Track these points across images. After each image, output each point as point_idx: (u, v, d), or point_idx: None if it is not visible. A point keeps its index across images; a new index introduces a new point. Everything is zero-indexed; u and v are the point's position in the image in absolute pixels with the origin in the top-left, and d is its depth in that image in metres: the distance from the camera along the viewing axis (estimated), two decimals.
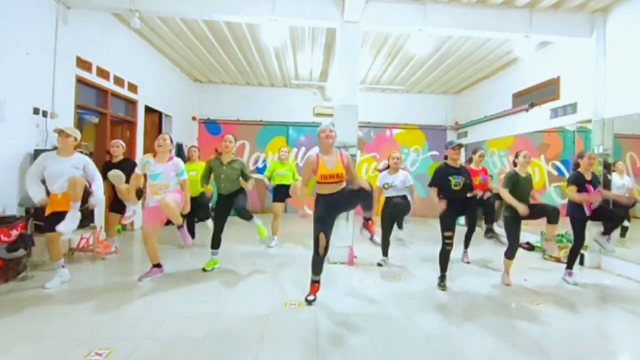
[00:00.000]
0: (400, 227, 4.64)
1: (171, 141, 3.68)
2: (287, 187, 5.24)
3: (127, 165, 4.29)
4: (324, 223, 3.14)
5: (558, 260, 4.83)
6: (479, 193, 4.03)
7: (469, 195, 3.79)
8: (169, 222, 3.70)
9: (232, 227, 4.16)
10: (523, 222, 3.83)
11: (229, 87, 9.32)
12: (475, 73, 7.71)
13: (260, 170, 9.00)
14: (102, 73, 5.29)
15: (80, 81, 4.85)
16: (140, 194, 4.60)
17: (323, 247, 3.13)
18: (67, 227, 3.25)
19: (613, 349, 2.63)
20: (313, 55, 7.06)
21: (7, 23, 3.74)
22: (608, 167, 4.64)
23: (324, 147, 3.16)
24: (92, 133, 5.54)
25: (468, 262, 4.65)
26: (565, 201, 5.97)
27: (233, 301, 3.17)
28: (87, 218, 4.07)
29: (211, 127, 9.30)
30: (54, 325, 2.57)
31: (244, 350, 2.32)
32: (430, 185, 3.77)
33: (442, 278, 3.70)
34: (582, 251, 4.80)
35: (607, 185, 4.62)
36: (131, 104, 6.19)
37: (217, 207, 4.10)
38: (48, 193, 3.43)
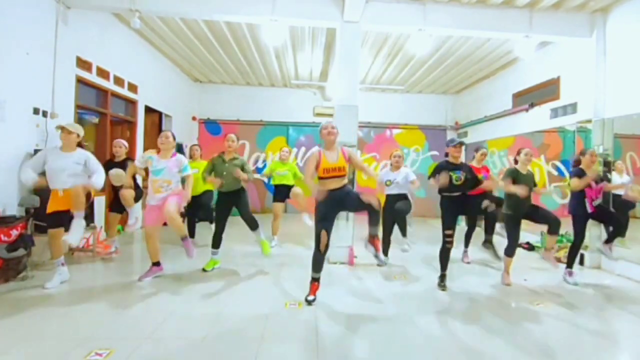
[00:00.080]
0: (403, 234, 4.45)
1: (174, 138, 3.67)
2: (287, 187, 5.24)
3: (129, 165, 4.30)
4: (325, 220, 3.15)
5: (558, 260, 4.82)
6: (489, 206, 3.86)
7: (469, 194, 3.78)
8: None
9: (232, 227, 4.16)
10: (523, 221, 3.84)
11: (229, 87, 9.32)
12: (475, 73, 7.71)
13: (260, 170, 9.00)
14: (102, 73, 5.29)
15: (80, 81, 4.85)
16: (140, 194, 4.61)
17: (324, 245, 3.14)
18: (74, 238, 3.30)
19: (613, 349, 2.63)
20: (313, 55, 7.06)
21: (7, 23, 3.74)
22: (608, 166, 4.65)
23: (326, 144, 3.24)
24: (92, 133, 5.54)
25: (468, 262, 4.65)
26: (566, 201, 5.98)
27: (233, 301, 3.17)
28: (87, 218, 4.07)
29: (211, 127, 9.30)
30: (54, 325, 2.57)
31: (244, 350, 2.32)
32: (430, 177, 3.78)
33: (442, 277, 3.70)
34: (582, 251, 4.81)
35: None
36: (131, 104, 6.19)
37: (218, 206, 4.10)
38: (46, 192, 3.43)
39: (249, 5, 4.66)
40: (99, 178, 3.49)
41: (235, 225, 4.20)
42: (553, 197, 5.98)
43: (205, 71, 8.30)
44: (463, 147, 3.73)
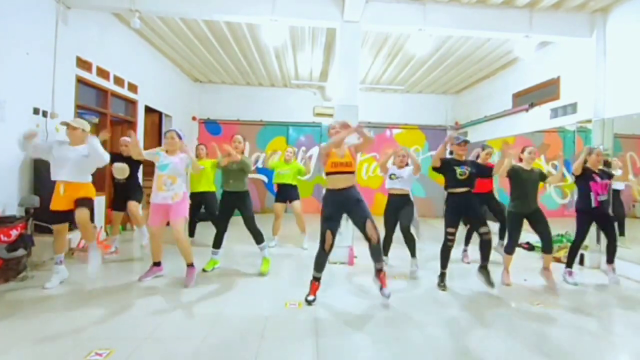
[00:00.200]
0: (412, 254, 4.12)
1: (180, 137, 3.63)
2: (289, 186, 5.24)
3: (134, 161, 4.37)
4: (331, 220, 3.16)
5: (558, 260, 4.83)
6: (486, 234, 3.73)
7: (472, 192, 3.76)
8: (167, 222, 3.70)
9: (232, 227, 4.15)
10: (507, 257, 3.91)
11: (229, 87, 9.32)
12: (475, 73, 7.71)
13: (260, 171, 9.01)
14: (102, 73, 5.29)
15: (80, 81, 4.85)
16: (140, 195, 4.62)
17: (329, 245, 3.16)
18: (93, 267, 3.37)
19: (613, 349, 2.63)
20: (313, 55, 7.06)
21: (7, 23, 3.74)
22: (608, 165, 4.65)
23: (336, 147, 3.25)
24: (92, 133, 5.53)
25: (468, 262, 4.65)
26: (566, 201, 5.99)
27: (233, 301, 3.17)
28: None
29: (211, 127, 9.30)
30: (54, 325, 2.57)
31: (244, 350, 2.32)
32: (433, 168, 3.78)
33: (442, 276, 3.70)
34: (582, 251, 4.82)
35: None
36: (131, 104, 6.19)
37: (221, 205, 4.08)
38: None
39: (249, 5, 4.66)
40: (105, 155, 3.44)
41: (235, 225, 4.19)
42: (552, 197, 5.99)
43: (205, 71, 8.30)
44: (467, 145, 3.74)
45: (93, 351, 2.20)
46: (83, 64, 4.88)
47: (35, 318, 2.68)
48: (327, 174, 3.21)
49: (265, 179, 9.25)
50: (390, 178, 4.27)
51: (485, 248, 3.58)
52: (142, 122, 6.48)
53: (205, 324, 2.66)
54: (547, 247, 3.82)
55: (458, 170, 3.63)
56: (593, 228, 4.21)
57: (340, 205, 3.18)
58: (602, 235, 4.22)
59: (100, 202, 5.20)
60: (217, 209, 4.48)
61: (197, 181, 5.03)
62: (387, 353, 2.36)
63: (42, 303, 2.96)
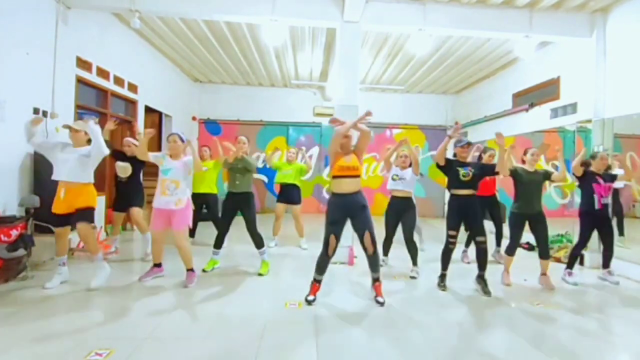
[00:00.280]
0: (414, 262, 4.12)
1: (182, 141, 3.62)
2: (291, 187, 5.24)
3: (137, 162, 4.35)
4: (335, 225, 3.17)
5: (558, 260, 4.83)
6: (482, 242, 3.67)
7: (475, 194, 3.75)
8: None
9: (233, 228, 4.14)
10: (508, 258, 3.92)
11: (229, 87, 9.32)
12: (475, 73, 7.71)
13: (260, 171, 9.00)
14: (102, 73, 5.29)
15: (80, 81, 4.85)
16: (142, 198, 4.61)
17: (332, 249, 3.17)
18: (98, 282, 3.33)
19: (613, 349, 2.63)
20: (313, 55, 7.06)
21: (7, 23, 3.74)
22: (608, 167, 4.66)
23: (342, 147, 3.26)
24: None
25: (468, 263, 4.65)
26: (566, 201, 5.99)
27: (233, 301, 3.17)
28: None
29: (211, 127, 9.31)
30: (54, 325, 2.57)
31: (244, 350, 2.32)
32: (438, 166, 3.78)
33: (442, 277, 3.70)
34: (581, 251, 4.82)
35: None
36: (131, 104, 6.19)
37: (225, 205, 4.06)
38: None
39: (249, 5, 4.66)
40: (103, 145, 3.39)
41: (236, 225, 4.18)
42: (552, 197, 5.98)
43: (205, 71, 8.30)
44: (470, 147, 3.74)
45: (93, 351, 2.20)
46: (83, 64, 4.88)
47: (36, 318, 2.68)
48: (334, 177, 3.19)
49: (266, 179, 9.25)
50: (393, 179, 4.24)
51: (481, 256, 3.59)
52: (142, 122, 6.47)
53: (205, 324, 2.66)
54: (543, 252, 3.83)
55: (461, 171, 3.62)
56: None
57: (345, 209, 3.17)
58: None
59: (100, 202, 5.19)
60: (218, 211, 4.48)
61: (200, 182, 5.03)
62: (387, 353, 2.36)
63: (42, 303, 2.96)
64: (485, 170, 3.80)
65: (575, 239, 5.10)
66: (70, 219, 3.37)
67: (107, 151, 3.40)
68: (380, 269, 3.32)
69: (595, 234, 4.12)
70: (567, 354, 2.44)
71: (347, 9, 4.55)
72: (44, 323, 2.60)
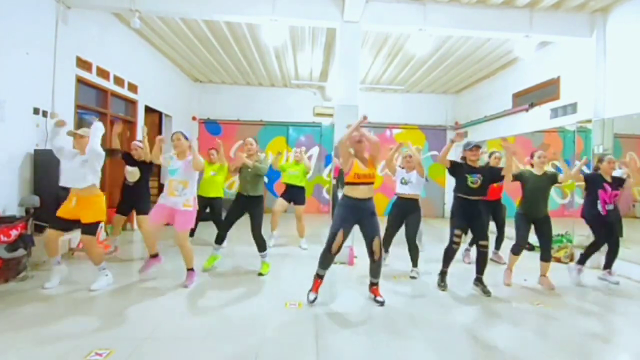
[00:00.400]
0: (414, 263, 4.11)
1: (186, 138, 3.60)
2: (296, 188, 5.24)
3: (145, 166, 4.39)
4: (346, 222, 3.15)
5: (558, 260, 4.83)
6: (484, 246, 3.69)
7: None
8: (167, 222, 3.69)
9: (233, 228, 4.15)
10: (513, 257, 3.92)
11: (229, 87, 9.32)
12: (475, 73, 7.71)
13: None
14: (102, 73, 5.29)
15: (80, 81, 4.86)
16: (148, 201, 4.61)
17: (338, 245, 3.13)
18: (98, 286, 3.32)
19: (613, 349, 2.63)
20: (313, 55, 7.07)
21: (7, 23, 3.74)
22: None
23: (356, 152, 3.27)
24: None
25: (469, 263, 4.64)
26: (566, 201, 5.99)
27: (233, 301, 3.17)
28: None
29: (211, 127, 9.31)
30: (54, 325, 2.57)
31: (244, 350, 2.31)
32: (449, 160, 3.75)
33: (443, 275, 3.69)
34: (582, 251, 4.80)
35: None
36: (131, 104, 6.19)
37: (233, 205, 4.03)
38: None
39: (249, 5, 4.66)
40: (97, 146, 3.33)
41: (235, 225, 4.18)
42: (553, 197, 5.98)
43: (205, 71, 8.30)
44: (480, 150, 3.67)
45: (93, 351, 2.20)
46: (83, 64, 4.88)
47: (36, 318, 2.68)
48: (348, 183, 3.19)
49: (266, 180, 9.23)
50: (402, 182, 4.18)
51: (481, 259, 3.59)
52: (142, 122, 6.47)
53: (205, 324, 2.66)
54: (545, 254, 3.83)
55: (470, 178, 3.58)
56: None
57: (356, 212, 3.16)
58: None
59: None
60: (222, 214, 4.45)
61: (209, 186, 5.07)
62: (387, 353, 2.36)
63: (42, 303, 2.96)
64: (494, 175, 3.70)
65: (576, 239, 5.13)
66: (71, 226, 3.37)
67: (101, 151, 3.34)
68: (380, 275, 3.31)
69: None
70: (568, 354, 2.44)
71: (347, 9, 4.55)
72: (44, 323, 2.60)
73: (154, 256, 3.68)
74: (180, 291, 3.35)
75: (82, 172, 3.28)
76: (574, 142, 5.41)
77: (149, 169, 4.51)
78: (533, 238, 5.30)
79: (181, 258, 3.61)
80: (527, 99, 6.52)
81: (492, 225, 4.63)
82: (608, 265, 4.07)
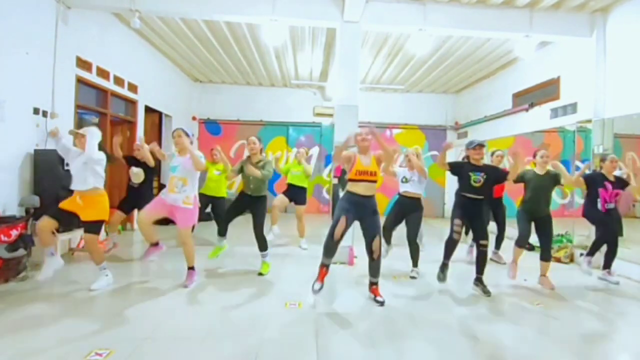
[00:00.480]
0: (414, 263, 4.10)
1: (187, 135, 3.58)
2: (298, 188, 5.24)
3: (149, 167, 4.41)
4: (347, 211, 3.14)
5: (558, 260, 4.83)
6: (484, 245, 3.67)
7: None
8: (169, 222, 3.68)
9: (232, 228, 4.15)
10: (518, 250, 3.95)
11: (229, 87, 9.32)
12: (475, 73, 7.71)
13: None
14: (102, 73, 5.29)
15: (80, 81, 4.85)
16: (150, 197, 4.61)
17: (341, 231, 3.11)
18: (100, 285, 3.31)
19: (613, 349, 2.63)
20: (313, 55, 7.07)
21: (7, 23, 3.74)
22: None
23: (360, 149, 3.30)
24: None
25: (470, 261, 4.64)
26: (566, 201, 5.99)
27: (233, 301, 3.17)
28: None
29: (211, 127, 9.31)
30: (54, 325, 2.57)
31: (244, 350, 2.31)
32: (448, 162, 3.78)
33: (443, 267, 3.68)
34: (581, 251, 4.81)
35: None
36: (131, 104, 6.19)
37: (236, 201, 4.02)
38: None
39: (249, 5, 4.66)
40: (93, 151, 3.27)
41: (235, 226, 4.19)
42: (553, 197, 5.98)
43: (205, 71, 8.30)
44: (484, 149, 3.64)
45: (93, 351, 2.20)
46: (83, 64, 4.88)
47: (36, 318, 2.68)
48: (350, 180, 3.21)
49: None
50: (402, 181, 4.16)
51: (481, 259, 3.59)
52: (142, 122, 6.48)
53: (205, 324, 2.66)
54: (545, 255, 3.83)
55: (473, 177, 3.56)
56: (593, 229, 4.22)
57: (358, 207, 3.17)
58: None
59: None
60: (223, 213, 4.43)
61: (214, 186, 5.07)
62: (387, 353, 2.36)
63: (42, 303, 2.96)
64: (498, 176, 3.67)
65: (576, 239, 5.13)
66: (69, 220, 3.36)
67: (98, 156, 3.30)
68: (379, 274, 3.31)
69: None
70: (568, 354, 2.44)
71: (347, 9, 4.55)
72: (44, 323, 2.60)
73: (155, 245, 3.67)
74: (180, 291, 3.35)
75: (83, 175, 3.28)
76: (574, 142, 5.41)
77: (153, 170, 4.54)
78: (533, 238, 5.31)
79: (181, 258, 3.61)
80: (527, 99, 6.52)
81: (492, 226, 4.63)
82: (607, 265, 4.07)
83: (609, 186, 3.91)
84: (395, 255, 4.54)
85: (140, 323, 2.65)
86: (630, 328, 2.97)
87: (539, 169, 3.89)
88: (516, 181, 3.90)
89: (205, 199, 4.96)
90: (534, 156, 3.97)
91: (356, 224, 3.31)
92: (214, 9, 4.71)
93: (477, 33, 5.22)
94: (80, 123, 4.99)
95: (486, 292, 3.49)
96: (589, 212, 4.04)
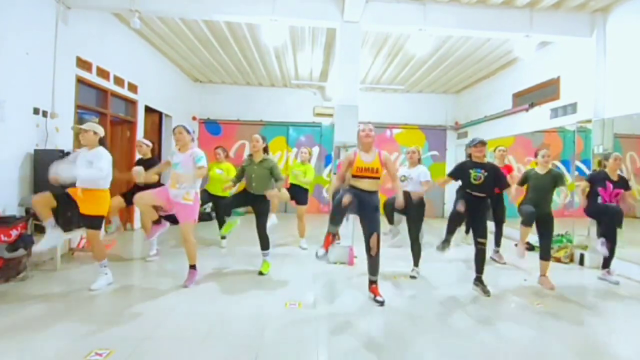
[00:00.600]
0: (416, 263, 4.07)
1: (188, 132, 3.57)
2: (298, 187, 5.25)
3: (151, 164, 4.31)
4: (349, 194, 3.10)
5: (558, 260, 4.83)
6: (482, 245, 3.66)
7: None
8: (175, 222, 3.68)
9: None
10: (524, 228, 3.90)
11: (229, 87, 9.32)
12: (475, 73, 7.71)
13: None
14: (102, 73, 5.29)
15: (80, 81, 4.85)
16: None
17: (348, 200, 3.04)
18: (98, 285, 3.30)
19: (613, 349, 2.62)
20: (313, 55, 7.06)
21: (7, 23, 3.74)
22: (604, 167, 4.66)
23: (363, 146, 3.28)
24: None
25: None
26: (566, 201, 5.98)
27: (233, 301, 3.17)
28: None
29: (211, 127, 9.31)
30: (54, 325, 2.57)
31: (244, 350, 2.32)
32: (448, 175, 3.82)
33: (445, 241, 3.69)
34: (581, 251, 4.82)
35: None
36: (131, 104, 6.19)
37: (238, 194, 4.00)
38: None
39: (249, 5, 4.66)
40: (88, 171, 3.21)
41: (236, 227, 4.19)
42: (553, 197, 5.98)
43: (205, 71, 8.30)
44: (486, 147, 3.63)
45: (93, 351, 2.20)
46: (83, 64, 4.88)
47: (36, 318, 2.68)
48: (352, 175, 3.23)
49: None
50: (401, 180, 4.04)
51: (479, 257, 3.58)
52: (142, 122, 6.47)
53: (205, 324, 2.66)
54: (544, 254, 3.83)
55: (473, 174, 3.56)
56: (593, 228, 4.22)
57: (360, 201, 3.16)
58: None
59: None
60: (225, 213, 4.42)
61: (214, 185, 5.05)
62: (387, 353, 2.36)
63: (42, 303, 2.96)
64: (499, 179, 3.64)
65: (576, 239, 5.13)
66: (68, 206, 3.33)
67: (99, 176, 3.27)
68: (378, 272, 3.30)
69: (594, 233, 4.12)
70: (568, 354, 2.44)
71: (347, 9, 4.55)
72: (44, 323, 2.60)
73: (157, 222, 3.65)
74: (180, 291, 3.35)
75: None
76: (574, 142, 5.41)
77: (151, 166, 4.47)
78: (533, 238, 5.31)
79: (181, 258, 3.61)
80: (527, 99, 6.52)
81: (491, 225, 4.63)
82: (606, 264, 4.07)
83: (610, 186, 3.92)
84: (395, 255, 4.55)
85: (140, 323, 2.65)
86: (631, 328, 2.97)
87: (541, 168, 3.89)
88: (520, 184, 3.96)
89: (207, 196, 4.95)
90: (535, 155, 3.98)
91: (356, 225, 3.31)
92: (214, 9, 4.71)
93: (477, 33, 5.22)
94: (80, 123, 4.97)
95: (486, 292, 3.49)
96: (589, 207, 4.04)
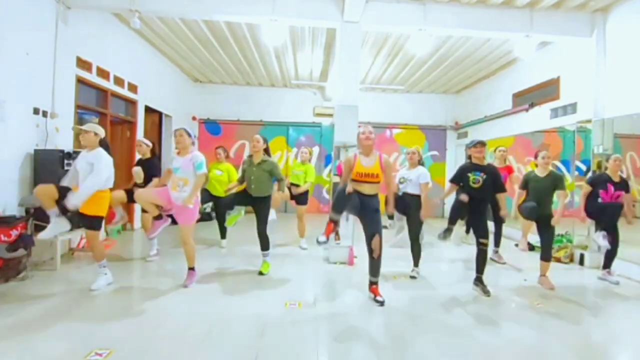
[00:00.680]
0: (416, 263, 4.08)
1: (189, 135, 3.56)
2: (297, 187, 5.24)
3: (150, 164, 4.38)
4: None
5: (558, 260, 4.83)
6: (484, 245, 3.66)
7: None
8: (175, 221, 3.68)
9: (234, 229, 4.15)
10: (525, 222, 3.91)
11: (229, 87, 9.32)
12: (475, 73, 7.71)
13: None
14: (102, 73, 5.29)
15: (80, 81, 4.85)
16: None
17: (351, 191, 3.10)
18: (98, 285, 3.30)
19: (613, 349, 2.63)
20: (313, 55, 7.06)
21: (7, 23, 3.74)
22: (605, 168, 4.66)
23: (363, 149, 3.27)
24: None
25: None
26: (566, 201, 5.97)
27: (233, 301, 3.17)
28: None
29: (211, 127, 9.31)
30: (54, 326, 2.57)
31: (244, 350, 2.32)
32: (450, 180, 3.84)
33: (446, 231, 3.70)
34: (581, 251, 4.82)
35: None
36: (131, 104, 6.19)
37: (239, 193, 3.99)
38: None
39: (249, 5, 4.66)
40: (82, 191, 3.18)
41: (236, 225, 4.19)
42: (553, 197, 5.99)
43: (205, 71, 8.30)
44: (485, 147, 3.62)
45: (93, 351, 2.20)
46: (83, 64, 4.88)
47: (36, 318, 2.68)
48: (353, 180, 3.23)
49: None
50: (400, 182, 4.09)
51: (480, 258, 3.57)
52: (142, 122, 6.47)
53: (205, 324, 2.66)
54: (545, 254, 3.82)
55: (472, 177, 3.55)
56: (592, 228, 4.22)
57: (360, 202, 3.18)
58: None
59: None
60: (227, 208, 4.40)
61: (214, 186, 5.04)
62: (387, 353, 2.36)
63: (42, 303, 2.96)
64: (496, 186, 3.63)
65: (576, 239, 5.13)
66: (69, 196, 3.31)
67: (103, 178, 3.29)
68: (379, 273, 3.30)
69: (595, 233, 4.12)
70: (568, 354, 2.44)
71: (347, 9, 4.55)
72: (44, 323, 2.60)
73: (158, 218, 3.65)
74: (180, 291, 3.35)
75: (87, 175, 3.27)
76: (574, 142, 5.41)
77: (150, 166, 4.47)
78: (533, 238, 5.31)
79: (181, 258, 3.61)
80: (527, 99, 6.52)
81: (491, 226, 4.62)
82: (607, 264, 4.07)
83: (611, 188, 3.91)
84: (395, 255, 4.54)
85: (140, 323, 2.65)
86: (631, 328, 2.97)
87: (540, 170, 3.88)
88: (522, 188, 3.99)
89: (208, 196, 4.95)
90: (536, 157, 3.97)
91: (356, 225, 3.31)
92: (214, 9, 4.71)
93: (477, 33, 5.22)
94: (80, 123, 4.97)
95: (486, 292, 3.49)
96: (590, 207, 4.06)
